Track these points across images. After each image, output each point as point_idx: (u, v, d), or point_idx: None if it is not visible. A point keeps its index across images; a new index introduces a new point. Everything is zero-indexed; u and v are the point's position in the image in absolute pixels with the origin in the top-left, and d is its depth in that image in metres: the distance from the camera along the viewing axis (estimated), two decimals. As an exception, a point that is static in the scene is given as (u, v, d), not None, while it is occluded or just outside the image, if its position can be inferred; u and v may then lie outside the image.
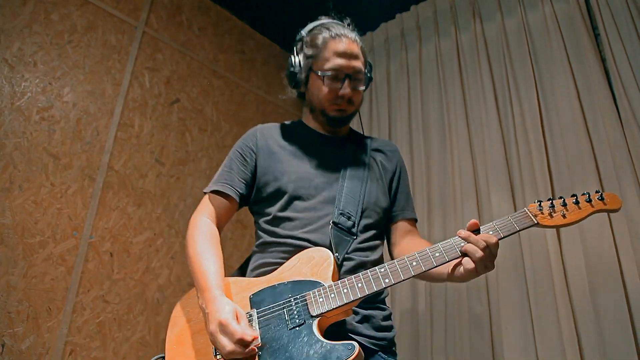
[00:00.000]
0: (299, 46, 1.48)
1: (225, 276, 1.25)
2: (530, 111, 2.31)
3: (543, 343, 1.94)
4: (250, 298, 1.18)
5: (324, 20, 1.48)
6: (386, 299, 1.37)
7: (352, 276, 1.12)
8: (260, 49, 3.45)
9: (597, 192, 1.13)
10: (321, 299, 1.09)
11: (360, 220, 1.32)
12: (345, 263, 1.25)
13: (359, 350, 0.99)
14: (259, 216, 1.41)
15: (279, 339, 1.06)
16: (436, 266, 1.10)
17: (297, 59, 1.45)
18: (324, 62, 1.37)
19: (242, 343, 1.01)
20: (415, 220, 1.51)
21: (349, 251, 1.26)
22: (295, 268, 1.21)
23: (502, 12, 2.60)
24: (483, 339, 2.13)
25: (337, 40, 1.37)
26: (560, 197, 1.14)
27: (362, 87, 1.40)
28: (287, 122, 1.56)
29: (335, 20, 1.46)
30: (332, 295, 1.09)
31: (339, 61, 1.35)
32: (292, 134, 1.49)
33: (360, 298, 1.09)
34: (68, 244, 2.09)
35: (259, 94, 3.33)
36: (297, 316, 1.09)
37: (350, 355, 0.98)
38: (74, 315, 2.03)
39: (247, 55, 3.33)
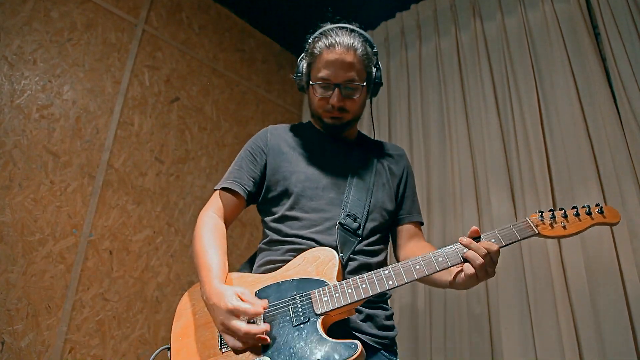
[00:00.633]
0: (304, 52, 1.49)
1: (231, 272, 1.29)
2: (530, 110, 2.31)
3: (542, 344, 1.95)
4: (255, 294, 1.19)
5: (327, 26, 1.47)
6: (388, 300, 1.39)
7: (357, 277, 1.15)
8: (260, 47, 3.44)
9: (597, 205, 1.17)
10: (326, 298, 1.12)
11: (366, 223, 1.35)
12: (349, 263, 1.27)
13: (362, 349, 1.01)
14: (266, 214, 1.44)
15: (283, 335, 1.08)
16: (438, 270, 1.13)
17: (300, 66, 1.48)
18: (317, 71, 1.39)
19: (257, 315, 1.06)
20: (421, 224, 1.53)
21: (353, 252, 1.29)
22: (300, 267, 1.23)
23: (502, 11, 2.60)
24: (482, 339, 2.13)
25: (330, 49, 1.37)
26: (562, 209, 1.17)
27: (357, 96, 1.40)
28: (296, 124, 1.60)
29: (338, 25, 1.44)
30: (337, 294, 1.12)
31: (328, 72, 1.36)
32: (302, 135, 1.53)
33: (364, 299, 1.12)
34: (67, 241, 2.09)
35: (258, 93, 3.33)
36: (301, 314, 1.11)
37: (353, 353, 1.00)
38: (73, 313, 2.04)
39: (247, 54, 3.33)
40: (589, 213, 1.16)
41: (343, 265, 1.25)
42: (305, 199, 1.35)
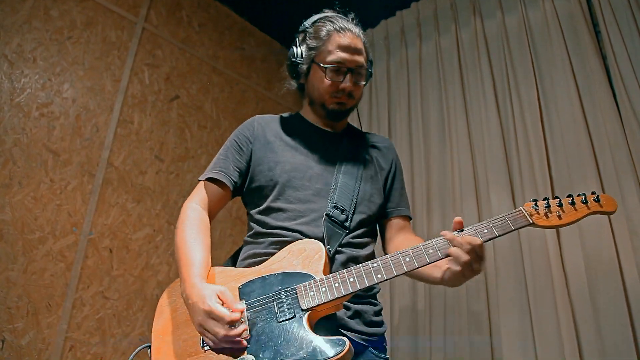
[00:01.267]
0: (301, 37, 1.47)
1: (214, 266, 1.25)
2: (530, 108, 2.31)
3: (542, 342, 1.95)
4: (239, 289, 1.15)
5: (328, 13, 1.47)
6: (378, 295, 1.37)
7: (344, 270, 1.11)
8: (260, 45, 3.44)
9: (593, 193, 1.13)
10: (312, 292, 1.08)
11: (353, 215, 1.32)
12: (337, 256, 1.24)
13: (350, 345, 0.98)
14: (251, 206, 1.40)
15: (268, 332, 1.05)
16: (429, 263, 1.09)
17: (299, 50, 1.44)
18: (327, 54, 1.37)
19: (234, 323, 1.03)
20: (410, 218, 1.51)
21: (341, 245, 1.26)
22: (285, 260, 1.18)
23: (502, 9, 2.60)
24: (482, 337, 2.13)
25: (342, 33, 1.37)
26: (556, 197, 1.14)
27: (363, 82, 1.41)
28: (285, 114, 1.56)
29: (339, 14, 1.46)
30: (324, 289, 1.08)
31: (343, 55, 1.35)
32: (290, 125, 1.49)
33: (351, 293, 1.08)
34: (67, 240, 2.09)
35: (258, 91, 3.32)
36: (287, 309, 1.07)
37: (340, 351, 0.97)
38: (73, 311, 2.04)
39: (247, 52, 3.32)
40: (585, 202, 1.11)
41: (330, 258, 1.22)
42: (291, 189, 1.31)
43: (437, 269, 1.19)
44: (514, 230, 1.12)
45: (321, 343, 0.99)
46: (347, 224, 1.29)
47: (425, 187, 2.61)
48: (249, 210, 1.41)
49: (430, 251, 1.10)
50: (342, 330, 1.17)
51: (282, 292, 1.10)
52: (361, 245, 1.32)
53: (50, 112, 2.16)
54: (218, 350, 1.05)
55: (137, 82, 2.56)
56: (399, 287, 2.53)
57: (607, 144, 2.02)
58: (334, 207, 1.29)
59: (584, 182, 2.02)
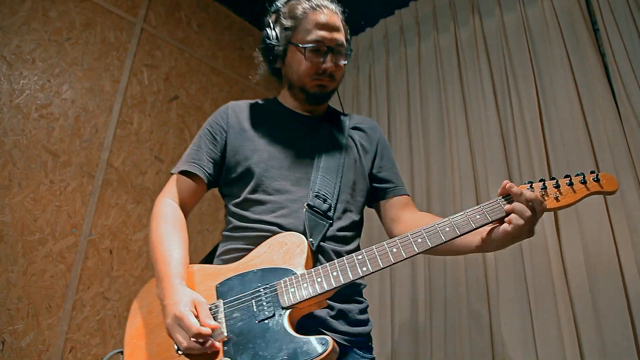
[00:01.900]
0: (274, 18, 1.37)
1: (191, 263, 1.18)
2: (529, 106, 2.31)
3: (542, 340, 1.95)
4: (216, 287, 1.08)
5: None
6: (363, 290, 1.30)
7: (327, 264, 1.04)
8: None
9: (592, 172, 1.06)
10: (292, 289, 1.01)
11: (337, 204, 1.24)
12: (320, 250, 1.16)
13: (333, 344, 0.92)
14: (228, 199, 1.32)
15: (246, 332, 0.98)
16: (417, 253, 1.02)
17: (273, 32, 1.34)
18: (304, 34, 1.28)
19: (200, 338, 0.93)
20: (409, 196, 1.43)
21: (324, 237, 1.18)
22: (265, 255, 1.11)
23: (501, 8, 2.60)
24: (482, 335, 2.13)
25: (318, 11, 1.29)
26: (553, 178, 1.07)
27: (344, 62, 1.32)
28: (260, 100, 1.47)
29: None
30: (305, 284, 1.01)
31: (321, 33, 1.27)
32: (266, 112, 1.40)
33: (335, 288, 1.01)
34: (67, 241, 2.10)
35: (257, 90, 3.32)
36: (266, 307, 1.00)
37: (324, 350, 0.91)
38: (73, 312, 2.04)
39: (245, 52, 3.32)
40: (584, 182, 1.04)
41: (313, 252, 1.13)
42: (269, 179, 1.23)
43: (476, 234, 1.10)
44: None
45: (303, 343, 0.93)
46: (330, 214, 1.20)
47: (425, 186, 2.61)
48: (227, 202, 1.33)
49: (420, 240, 1.03)
50: (324, 332, 1.10)
51: (262, 290, 1.03)
52: (346, 239, 1.24)
53: (49, 113, 2.16)
54: (192, 356, 0.97)
55: (136, 83, 2.56)
56: (400, 283, 2.53)
57: (606, 141, 2.02)
58: (316, 196, 1.21)
59: (583, 179, 2.02)
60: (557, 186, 1.05)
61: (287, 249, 1.10)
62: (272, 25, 1.36)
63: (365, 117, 1.55)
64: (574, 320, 1.90)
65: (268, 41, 1.35)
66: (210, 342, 0.94)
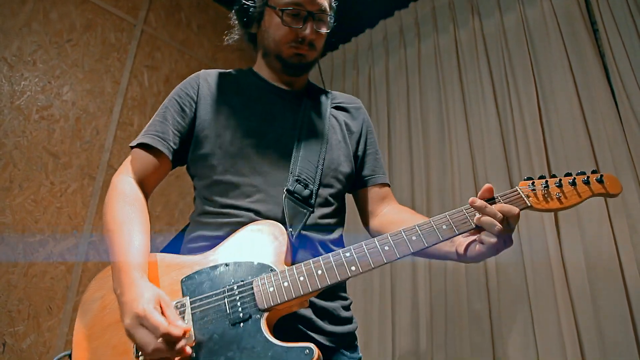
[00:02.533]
0: None
1: (152, 252, 1.02)
2: (529, 107, 2.31)
3: (543, 340, 1.95)
4: (182, 282, 0.94)
5: None
6: (347, 287, 1.20)
7: (310, 261, 0.93)
8: (259, 47, 3.44)
9: (593, 172, 1.01)
10: (272, 288, 0.89)
11: (318, 190, 1.12)
12: (300, 240, 1.04)
13: (318, 354, 0.82)
14: (197, 180, 1.18)
15: (218, 336, 0.86)
16: (413, 253, 0.94)
17: None
18: None
19: (169, 339, 0.79)
20: (389, 186, 1.33)
21: (305, 226, 1.05)
22: (239, 245, 0.98)
23: (500, 9, 2.60)
24: (483, 336, 2.13)
25: None
26: (554, 176, 1.01)
27: (325, 29, 1.20)
28: (234, 70, 1.33)
29: None
30: (285, 283, 0.89)
31: None
32: (241, 83, 1.27)
33: (320, 289, 0.90)
34: (68, 242, 2.10)
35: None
36: (240, 308, 0.88)
37: None
38: (74, 314, 2.04)
39: (246, 53, 3.30)
40: (587, 182, 0.99)
41: (292, 243, 1.01)
42: (244, 160, 1.10)
43: (451, 244, 1.03)
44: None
45: (283, 351, 0.82)
46: (311, 200, 1.09)
47: (425, 186, 2.62)
48: (195, 183, 1.19)
49: (414, 238, 0.94)
50: (310, 333, 0.99)
51: (235, 287, 0.91)
52: (329, 228, 1.13)
53: (50, 115, 2.16)
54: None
55: (136, 84, 2.56)
56: (401, 286, 2.53)
57: (606, 141, 2.02)
58: (296, 180, 1.09)
59: (583, 180, 2.03)
60: (560, 185, 0.99)
61: (264, 241, 0.97)
62: None
63: (349, 95, 1.42)
64: (574, 321, 1.90)
65: (243, 2, 1.22)
66: (180, 344, 0.80)
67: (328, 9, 1.19)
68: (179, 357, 0.82)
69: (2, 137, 1.99)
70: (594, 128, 2.09)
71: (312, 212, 1.08)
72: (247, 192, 1.08)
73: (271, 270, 0.92)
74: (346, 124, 1.29)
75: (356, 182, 1.29)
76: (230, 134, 1.13)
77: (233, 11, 1.29)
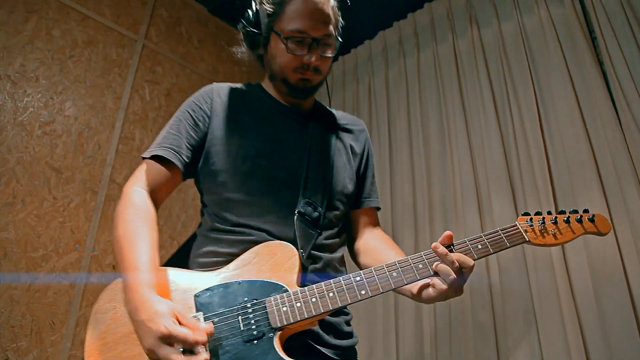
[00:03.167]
0: (257, 2, 1.24)
1: (163, 266, 1.04)
2: (529, 115, 2.31)
3: (549, 350, 1.93)
4: (195, 297, 0.95)
5: None
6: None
7: (322, 283, 0.96)
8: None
9: (585, 211, 1.11)
10: (285, 308, 0.92)
11: (325, 212, 1.15)
12: (310, 261, 1.08)
13: None
14: (207, 195, 1.19)
15: (231, 353, 0.88)
16: (418, 279, 0.98)
17: (255, 18, 1.22)
18: (287, 22, 1.15)
19: (197, 345, 0.83)
20: (378, 209, 1.37)
21: (314, 247, 1.09)
22: (252, 265, 1.01)
23: (498, 18, 2.62)
24: (488, 347, 2.11)
25: None
26: (549, 213, 1.11)
27: (331, 54, 1.21)
28: (244, 86, 1.33)
29: None
30: (298, 304, 0.93)
31: (306, 22, 1.14)
32: (252, 101, 1.28)
33: (331, 310, 0.94)
34: (71, 257, 2.10)
35: (259, 104, 3.34)
36: (254, 326, 0.91)
37: None
38: (77, 329, 2.03)
39: (245, 67, 3.35)
40: (580, 221, 1.09)
41: (303, 264, 1.04)
42: (254, 179, 1.12)
43: (412, 284, 1.05)
44: (509, 247, 1.05)
45: None
46: (319, 222, 1.12)
47: (427, 195, 2.61)
48: (204, 197, 1.21)
49: (421, 266, 0.99)
50: (317, 347, 1.03)
51: (249, 305, 0.93)
52: (334, 248, 1.17)
53: (52, 130, 2.18)
54: None
55: (137, 99, 2.58)
56: (404, 298, 2.51)
57: (607, 148, 2.02)
58: (307, 202, 1.12)
59: (585, 187, 2.02)
60: (555, 222, 1.08)
61: (277, 261, 1.00)
62: (254, 8, 1.23)
63: (353, 116, 1.46)
64: (579, 328, 1.88)
65: (249, 28, 1.23)
66: (204, 355, 0.83)
67: (333, 32, 1.20)
68: None
69: (6, 152, 2.00)
70: (594, 135, 2.09)
71: (320, 233, 1.12)
72: (259, 212, 1.10)
73: (284, 290, 0.95)
74: (351, 146, 1.33)
75: (352, 203, 1.32)
76: (242, 152, 1.14)
77: (240, 32, 1.29)
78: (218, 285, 0.97)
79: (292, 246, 1.03)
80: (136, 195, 1.09)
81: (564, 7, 2.35)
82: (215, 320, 0.92)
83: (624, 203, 1.91)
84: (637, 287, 1.81)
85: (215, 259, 1.07)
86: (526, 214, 1.11)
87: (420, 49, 3.00)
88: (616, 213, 1.92)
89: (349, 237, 1.33)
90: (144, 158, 1.17)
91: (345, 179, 1.24)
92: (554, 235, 1.07)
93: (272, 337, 0.89)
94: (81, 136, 2.28)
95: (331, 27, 1.19)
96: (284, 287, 0.96)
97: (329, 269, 1.10)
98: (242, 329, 0.90)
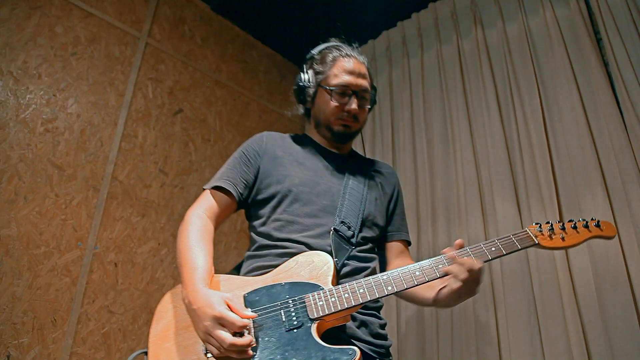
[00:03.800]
0: (308, 64, 1.53)
1: (217, 274, 1.23)
2: (533, 116, 2.31)
3: (551, 352, 1.92)
4: (244, 297, 1.13)
5: (334, 42, 1.56)
6: (383, 310, 1.39)
7: (354, 281, 1.12)
8: (262, 58, 3.47)
9: (593, 219, 1.21)
10: (321, 302, 1.08)
11: (359, 232, 1.34)
12: (344, 270, 1.25)
13: (360, 355, 0.98)
14: (255, 219, 1.40)
15: (275, 340, 1.03)
16: (439, 277, 1.12)
17: (306, 75, 1.50)
18: (333, 78, 1.43)
19: (242, 330, 1.01)
20: (409, 243, 1.55)
21: (347, 258, 1.27)
22: (292, 270, 1.18)
23: (503, 18, 2.61)
24: (490, 348, 2.11)
25: (347, 59, 1.45)
26: (559, 221, 1.21)
27: (368, 106, 1.46)
28: (292, 134, 1.60)
29: (344, 44, 1.54)
30: (333, 299, 1.08)
31: (348, 78, 1.41)
32: (298, 143, 1.53)
33: (361, 303, 1.09)
34: (73, 254, 2.10)
35: (261, 103, 3.34)
36: (294, 318, 1.06)
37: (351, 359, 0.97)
38: (78, 326, 2.03)
39: (249, 65, 3.35)
40: (586, 226, 1.19)
41: (337, 271, 1.22)
42: (299, 203, 1.33)
43: (431, 290, 1.22)
44: (520, 249, 1.17)
45: (330, 352, 0.98)
46: (353, 240, 1.31)
47: (429, 197, 2.61)
48: (253, 222, 1.41)
49: (440, 266, 1.12)
50: (352, 340, 1.17)
51: (290, 301, 1.10)
52: (366, 259, 1.34)
53: (55, 128, 2.18)
54: (221, 358, 1.02)
55: (140, 97, 2.58)
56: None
57: (612, 150, 2.01)
58: (342, 222, 1.31)
59: (589, 189, 2.01)
60: (563, 228, 1.19)
61: (314, 266, 1.17)
62: (305, 69, 1.51)
63: (385, 163, 1.71)
64: (582, 330, 1.87)
65: (301, 83, 1.50)
66: (250, 336, 1.01)
67: (369, 88, 1.47)
68: (243, 354, 1.00)
69: (8, 149, 2.00)
70: (598, 136, 2.08)
71: (353, 248, 1.30)
72: (300, 229, 1.29)
73: (320, 289, 1.11)
74: (381, 185, 1.53)
75: (383, 236, 1.49)
76: (289, 181, 1.36)
77: (293, 90, 1.56)
78: (264, 286, 1.14)
79: (327, 254, 1.20)
80: (196, 217, 1.31)
81: (569, 8, 2.35)
82: (261, 313, 1.08)
83: (628, 205, 1.91)
84: (640, 289, 1.81)
85: (260, 272, 1.25)
86: (537, 223, 1.22)
87: (424, 49, 2.99)
88: (620, 215, 1.92)
89: (382, 268, 1.49)
90: (204, 189, 1.40)
91: (375, 211, 1.43)
92: (562, 239, 1.18)
93: (310, 326, 1.04)
94: (83, 133, 2.27)
95: (367, 83, 1.45)
96: (320, 286, 1.12)
97: (361, 276, 1.22)
98: (284, 320, 1.06)
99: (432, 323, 2.35)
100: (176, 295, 1.20)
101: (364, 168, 1.54)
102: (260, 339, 1.03)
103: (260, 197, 1.38)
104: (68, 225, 2.11)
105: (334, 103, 1.41)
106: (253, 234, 1.39)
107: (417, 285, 1.11)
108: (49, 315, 1.96)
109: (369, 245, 1.37)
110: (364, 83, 1.44)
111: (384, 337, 1.29)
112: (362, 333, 1.21)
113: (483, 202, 2.38)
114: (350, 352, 0.98)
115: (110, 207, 2.29)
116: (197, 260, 1.16)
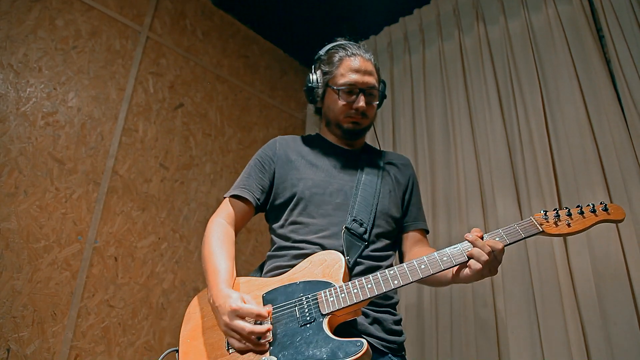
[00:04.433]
0: (317, 65, 1.57)
1: (239, 276, 1.32)
2: (534, 114, 2.30)
3: (550, 348, 1.93)
4: (263, 296, 1.22)
5: (340, 41, 1.59)
6: (396, 305, 1.41)
7: (362, 278, 1.17)
8: (263, 53, 3.46)
9: (601, 203, 1.18)
10: (332, 298, 1.14)
11: (372, 229, 1.38)
12: (356, 267, 1.30)
13: (367, 347, 1.02)
14: (274, 222, 1.47)
15: (290, 334, 1.11)
16: (443, 270, 1.15)
17: (314, 76, 1.54)
18: (339, 77, 1.47)
19: (261, 318, 1.10)
20: (427, 232, 1.57)
21: (360, 256, 1.32)
22: (307, 269, 1.26)
23: (505, 15, 2.60)
24: (489, 344, 2.11)
25: (353, 58, 1.48)
26: (566, 208, 1.19)
27: (376, 102, 1.50)
28: (304, 135, 1.64)
29: (350, 42, 1.58)
30: (343, 295, 1.14)
31: (354, 76, 1.45)
32: (310, 144, 1.58)
33: (369, 298, 1.13)
34: (73, 248, 2.10)
35: (262, 98, 3.33)
36: (307, 314, 1.13)
37: (358, 351, 1.01)
38: (78, 319, 2.04)
39: (250, 60, 3.34)
40: (593, 211, 1.17)
41: (350, 269, 1.27)
42: (313, 205, 1.39)
43: (449, 270, 1.23)
44: (524, 238, 1.17)
45: (340, 344, 1.05)
46: (365, 236, 1.35)
47: (430, 193, 2.61)
48: (272, 225, 1.49)
49: (445, 259, 1.16)
50: (363, 336, 1.21)
51: (304, 299, 1.17)
52: (380, 258, 1.37)
53: (55, 121, 2.17)
54: (242, 352, 1.10)
55: (141, 91, 2.57)
56: (405, 292, 2.51)
57: (613, 148, 2.01)
58: (353, 220, 1.36)
59: (590, 186, 2.01)
60: (569, 214, 1.17)
61: (327, 265, 1.24)
62: (314, 70, 1.56)
63: (400, 154, 1.72)
64: (582, 328, 1.88)
65: (309, 84, 1.54)
66: (267, 325, 1.10)
67: (377, 85, 1.50)
68: (262, 343, 1.09)
69: (8, 143, 2.00)
70: (600, 134, 2.08)
71: (367, 245, 1.35)
72: (316, 230, 1.35)
73: (332, 286, 1.17)
74: (396, 177, 1.56)
75: (400, 228, 1.53)
76: (303, 184, 1.42)
77: (303, 90, 1.60)
78: (281, 286, 1.23)
79: (339, 253, 1.26)
80: (216, 224, 1.39)
81: (571, 5, 2.34)
82: (278, 310, 1.16)
83: (628, 202, 1.90)
84: (640, 287, 1.81)
85: (279, 271, 1.33)
86: (544, 211, 1.20)
87: (425, 45, 2.98)
88: (620, 213, 1.91)
89: (400, 257, 1.54)
90: (224, 197, 1.48)
91: (389, 204, 1.46)
92: (568, 225, 1.16)
93: (322, 321, 1.11)
94: (84, 127, 2.27)
95: (374, 80, 1.48)
96: (332, 283, 1.18)
97: (372, 273, 1.24)
98: (297, 316, 1.14)
99: (431, 319, 2.35)
100: (203, 298, 1.31)
101: (377, 161, 1.57)
102: (275, 334, 1.12)
103: (277, 202, 1.45)
104: (68, 219, 2.11)
105: (342, 102, 1.46)
106: (273, 236, 1.47)
107: (422, 278, 1.15)
108: (49, 309, 1.96)
109: (384, 243, 1.41)
110: (371, 80, 1.47)
111: (397, 333, 1.33)
112: (374, 329, 1.26)
113: (484, 199, 2.38)
114: (358, 344, 1.03)
115: (111, 201, 2.29)
116: (219, 264, 1.26)
